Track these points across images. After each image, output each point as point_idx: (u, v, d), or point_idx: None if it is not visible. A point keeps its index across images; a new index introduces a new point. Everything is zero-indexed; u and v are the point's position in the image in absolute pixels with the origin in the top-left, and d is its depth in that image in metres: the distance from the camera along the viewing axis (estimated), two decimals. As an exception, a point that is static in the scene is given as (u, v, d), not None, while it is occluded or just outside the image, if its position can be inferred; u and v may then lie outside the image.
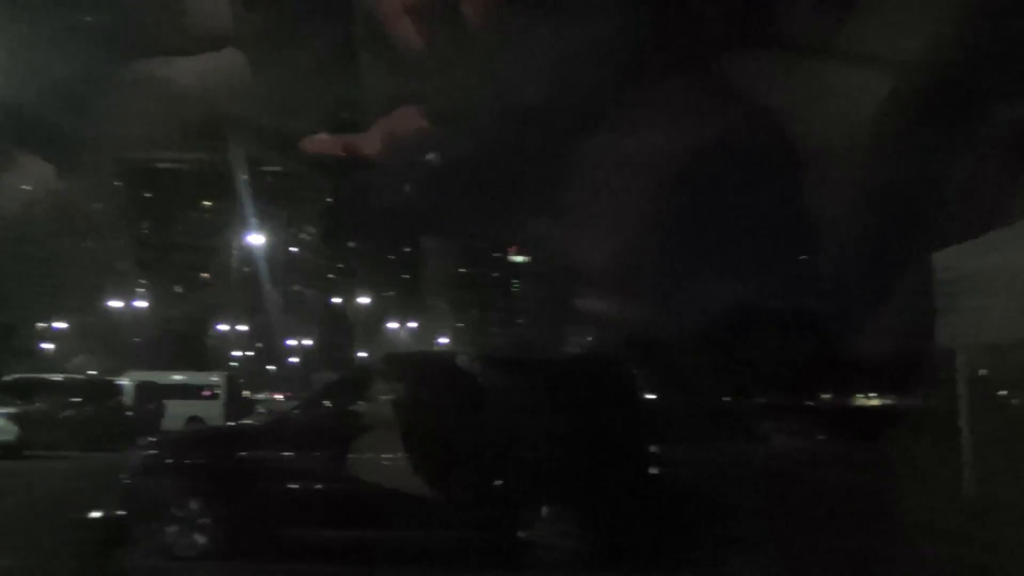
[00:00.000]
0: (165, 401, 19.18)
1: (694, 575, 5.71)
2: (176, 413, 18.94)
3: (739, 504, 7.71)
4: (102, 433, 14.61)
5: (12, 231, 33.38)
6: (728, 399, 26.62)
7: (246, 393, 27.47)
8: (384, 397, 6.59)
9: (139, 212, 48.51)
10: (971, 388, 9.19)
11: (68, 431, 14.46)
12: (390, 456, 5.93)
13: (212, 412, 20.50)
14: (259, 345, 47.06)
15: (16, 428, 13.49)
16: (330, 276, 55.06)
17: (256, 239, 37.94)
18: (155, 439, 7.17)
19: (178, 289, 48.41)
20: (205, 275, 51.38)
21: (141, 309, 40.60)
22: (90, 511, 5.80)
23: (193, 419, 19.31)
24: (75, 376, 21.35)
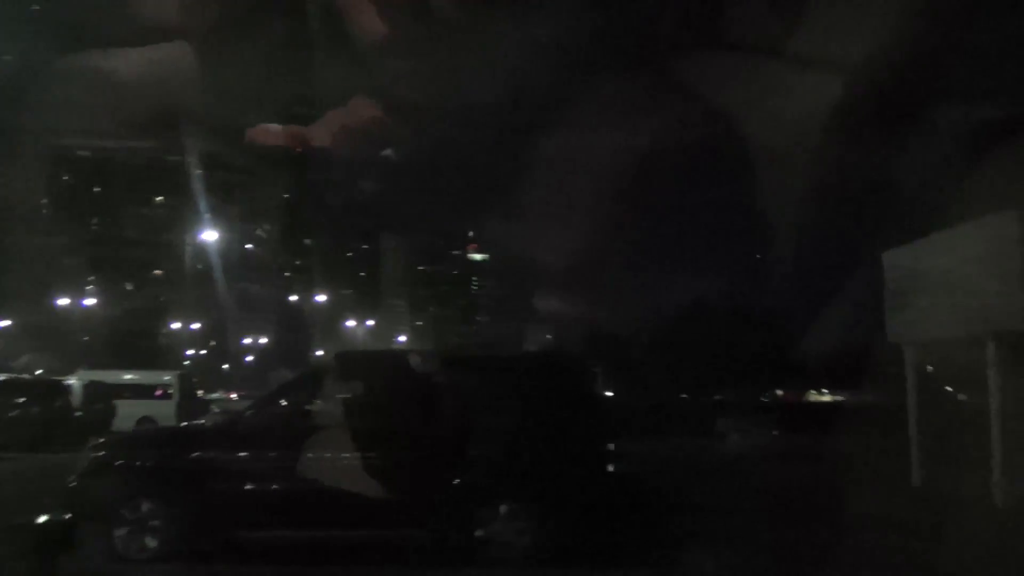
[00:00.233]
0: (116, 401, 18.81)
1: (651, 570, 5.77)
2: (127, 413, 18.59)
3: (695, 499, 7.81)
4: (49, 434, 14.29)
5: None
6: (685, 396, 26.97)
7: (200, 392, 27.03)
8: (339, 396, 6.54)
9: (88, 208, 47.40)
10: (918, 384, 9.43)
11: (13, 432, 14.11)
12: (346, 455, 5.88)
13: (164, 412, 20.15)
14: (213, 343, 46.29)
15: (-42, 430, 13.10)
16: (286, 274, 54.37)
17: (210, 235, 37.31)
18: (104, 440, 7.00)
19: (129, 286, 47.41)
20: (157, 272, 50.37)
21: (91, 307, 39.68)
22: (36, 515, 5.65)
23: (144, 419, 18.97)
24: (21, 376, 20.82)
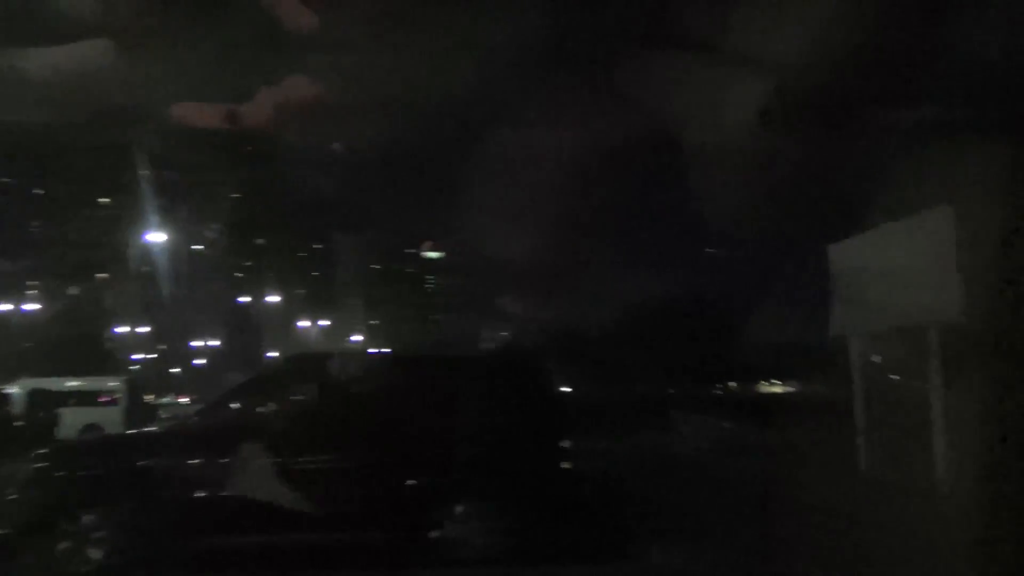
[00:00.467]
0: (60, 409, 18.31)
1: (607, 565, 5.80)
2: (72, 421, 18.10)
3: (648, 493, 7.88)
4: (-11, 445, 13.92)
5: None
6: (640, 390, 27.23)
7: (149, 397, 26.49)
8: (292, 398, 6.44)
9: (28, 210, 46.02)
10: (864, 374, 9.66)
11: (-50, 445, 13.73)
12: (299, 459, 5.80)
13: (112, 419, 19.69)
14: (162, 347, 45.31)
15: None
16: (237, 274, 53.46)
17: (157, 237, 36.50)
18: (47, 450, 6.80)
19: (73, 290, 46.16)
20: (102, 275, 49.11)
21: (32, 312, 38.53)
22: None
23: (90, 427, 18.50)
24: (-42, 385, 20.15)
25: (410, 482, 5.86)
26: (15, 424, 16.20)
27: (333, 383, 6.36)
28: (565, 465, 6.12)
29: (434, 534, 5.73)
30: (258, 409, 6.48)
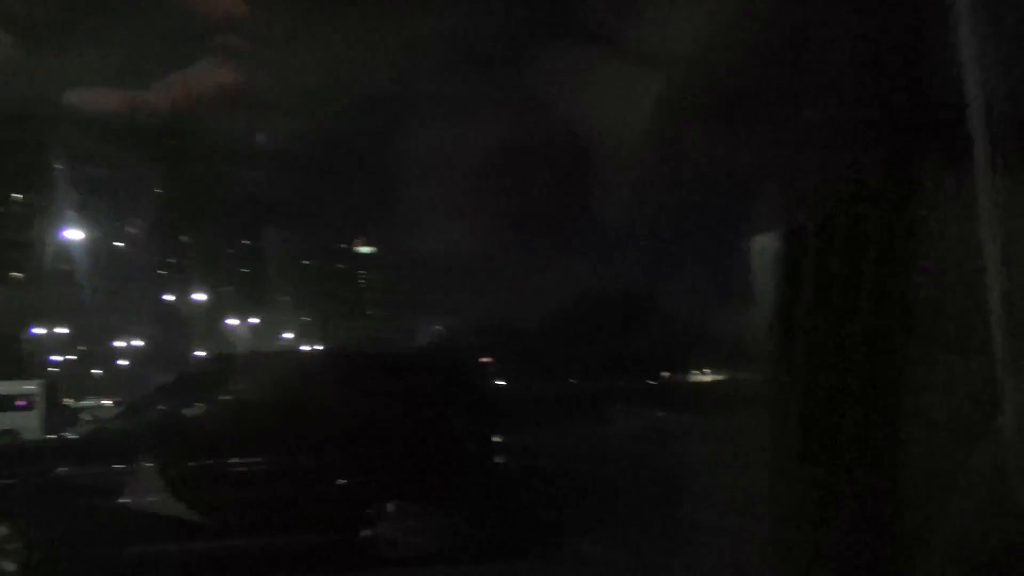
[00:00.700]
0: (-28, 415, 17.53)
1: (541, 559, 5.85)
2: (-15, 427, 17.39)
3: (582, 484, 7.99)
4: None
5: None
6: (575, 382, 27.54)
7: (69, 401, 25.66)
8: (218, 398, 6.31)
9: (-65, 207, 43.70)
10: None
11: None
12: (226, 461, 5.68)
13: (28, 424, 18.95)
14: (82, 348, 43.68)
15: None
16: (161, 272, 51.90)
17: (74, 234, 35.14)
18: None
19: (-15, 290, 44.08)
20: (16, 274, 47.04)
21: (-60, 314, 36.66)
22: None
23: (5, 433, 17.79)
24: None
25: (340, 482, 5.80)
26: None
27: (260, 382, 6.25)
28: (495, 461, 6.15)
29: (366, 534, 5.68)
30: (183, 410, 6.33)
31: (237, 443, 5.85)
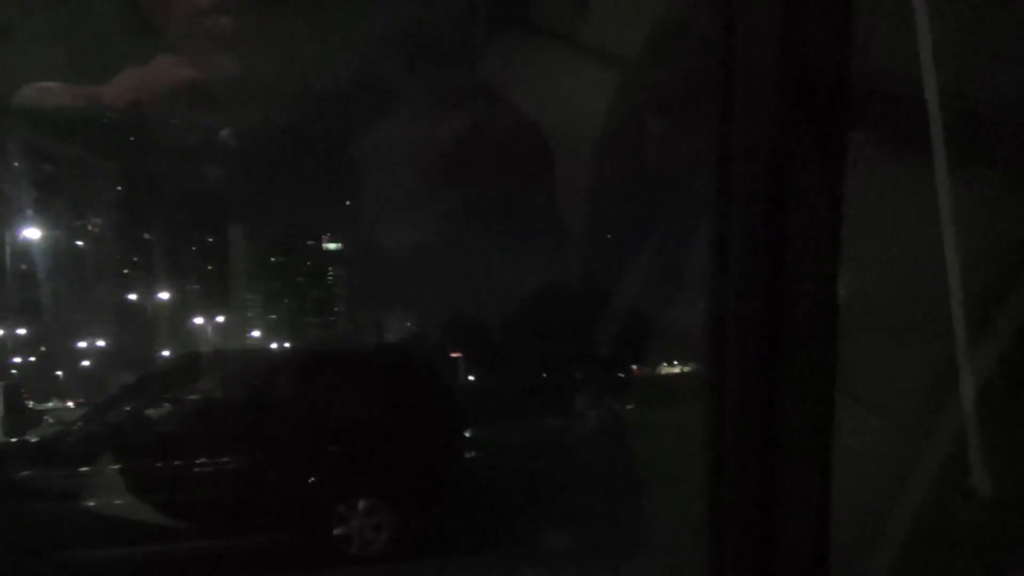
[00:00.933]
0: (-71, 419, 17.06)
1: (511, 553, 5.87)
2: (-56, 432, 16.92)
3: (552, 478, 8.02)
4: None
5: None
6: (545, 376, 27.62)
7: (30, 403, 25.11)
8: (184, 398, 6.23)
9: None
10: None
11: None
12: (193, 461, 5.61)
13: (-12, 427, 18.52)
14: (43, 349, 42.80)
15: None
16: (124, 271, 50.96)
17: (33, 233, 34.39)
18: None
19: (-59, 292, 43.01)
20: (-27, 275, 45.93)
21: None
22: None
23: (-36, 437, 17.32)
24: None
25: (307, 480, 5.76)
26: None
27: (226, 381, 6.18)
28: (464, 455, 6.16)
29: (335, 532, 5.66)
30: (147, 411, 6.25)
31: (200, 443, 5.77)
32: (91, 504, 5.60)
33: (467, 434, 6.37)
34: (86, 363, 46.27)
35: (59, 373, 44.20)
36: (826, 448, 0.90)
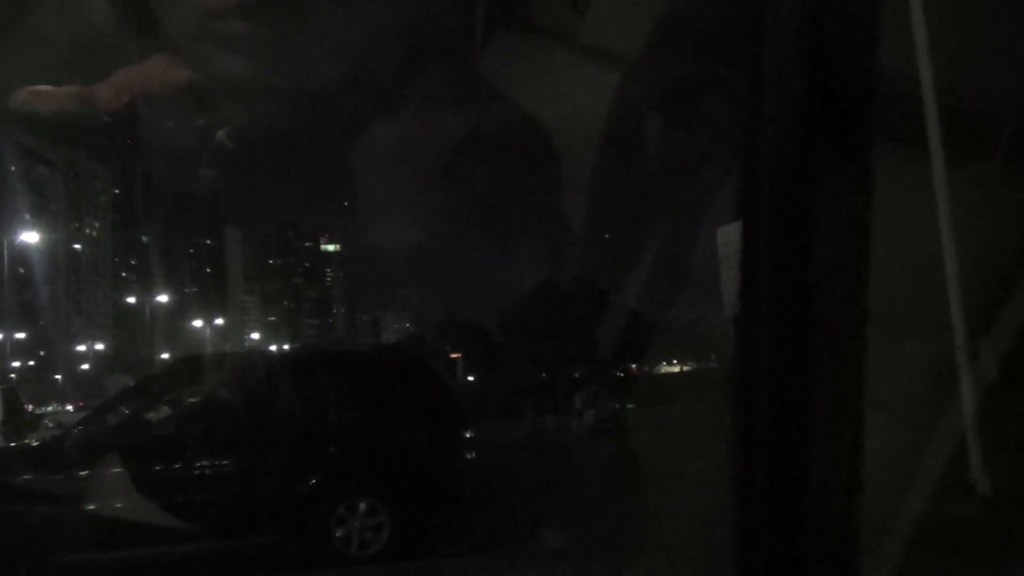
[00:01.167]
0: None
1: (511, 553, 5.86)
2: (-57, 437, 16.88)
3: (551, 476, 8.01)
4: None
5: None
6: (544, 375, 27.64)
7: (30, 407, 25.04)
8: (183, 402, 6.21)
9: None
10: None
11: None
12: (194, 464, 5.60)
13: (-13, 432, 18.48)
14: (42, 353, 42.78)
15: None
16: (122, 274, 50.87)
17: (31, 237, 34.37)
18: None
19: (-61, 297, 42.95)
20: (-29, 279, 45.89)
21: None
22: None
23: (-37, 441, 17.29)
24: None
25: (306, 482, 5.75)
26: None
27: (224, 384, 6.16)
28: (464, 455, 6.14)
29: (335, 533, 5.65)
30: (147, 414, 6.23)
31: (202, 447, 5.76)
32: (91, 507, 5.58)
33: (466, 434, 6.35)
34: (85, 367, 46.24)
35: (58, 377, 44.19)
36: (857, 447, 0.91)
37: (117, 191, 47.31)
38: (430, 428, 6.09)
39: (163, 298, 44.62)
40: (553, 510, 6.64)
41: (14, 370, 38.35)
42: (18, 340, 39.53)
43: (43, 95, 2.27)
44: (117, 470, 5.66)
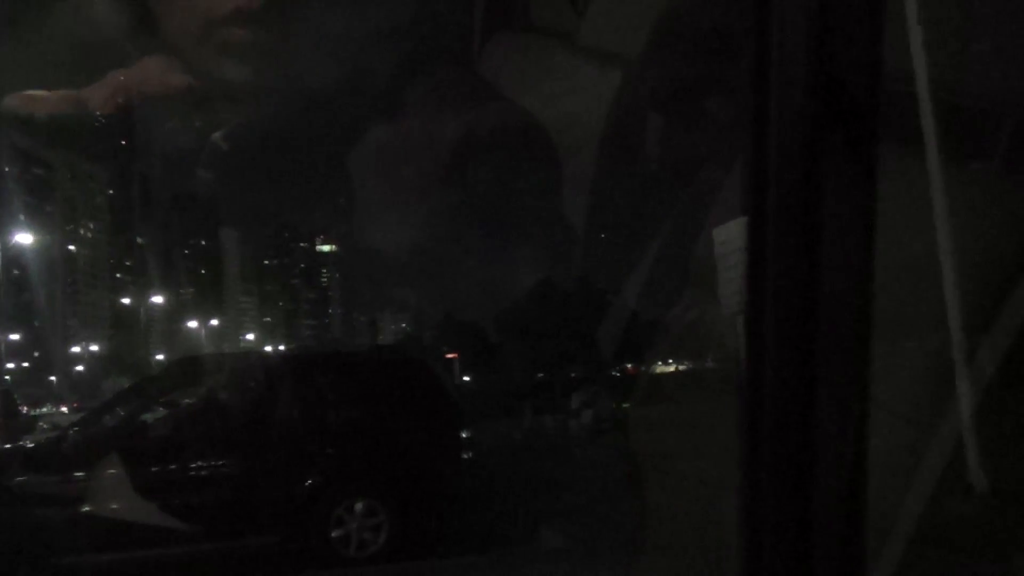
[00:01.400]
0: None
1: (509, 553, 5.86)
2: (-63, 438, 16.85)
3: (548, 476, 8.01)
4: None
5: None
6: (541, 375, 27.64)
7: (24, 409, 25.03)
8: (180, 403, 6.21)
9: None
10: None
11: None
12: (190, 466, 5.59)
13: (-17, 433, 18.47)
14: (37, 354, 42.63)
15: None
16: (118, 275, 50.79)
17: (25, 238, 34.25)
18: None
19: (-67, 298, 42.82)
20: (-34, 280, 45.74)
21: None
22: None
23: (-41, 443, 17.26)
24: None
25: (304, 482, 5.75)
26: None
27: (221, 385, 6.15)
28: (461, 455, 6.14)
29: (332, 534, 5.64)
30: (143, 415, 6.21)
31: (198, 448, 5.75)
32: (87, 509, 5.57)
33: (463, 434, 6.35)
34: (80, 368, 46.13)
35: (53, 378, 44.07)
36: (862, 447, 0.91)
37: (113, 192, 47.25)
38: (428, 429, 6.09)
39: (159, 299, 44.53)
40: (552, 510, 6.64)
41: (9, 371, 38.23)
42: (13, 341, 39.41)
43: (37, 99, 2.26)
44: (113, 472, 5.65)
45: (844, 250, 0.93)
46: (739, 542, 0.94)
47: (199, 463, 5.62)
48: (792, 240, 0.91)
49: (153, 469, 5.63)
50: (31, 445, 9.87)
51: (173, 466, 5.66)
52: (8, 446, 14.49)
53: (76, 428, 6.37)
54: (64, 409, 32.34)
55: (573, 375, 25.72)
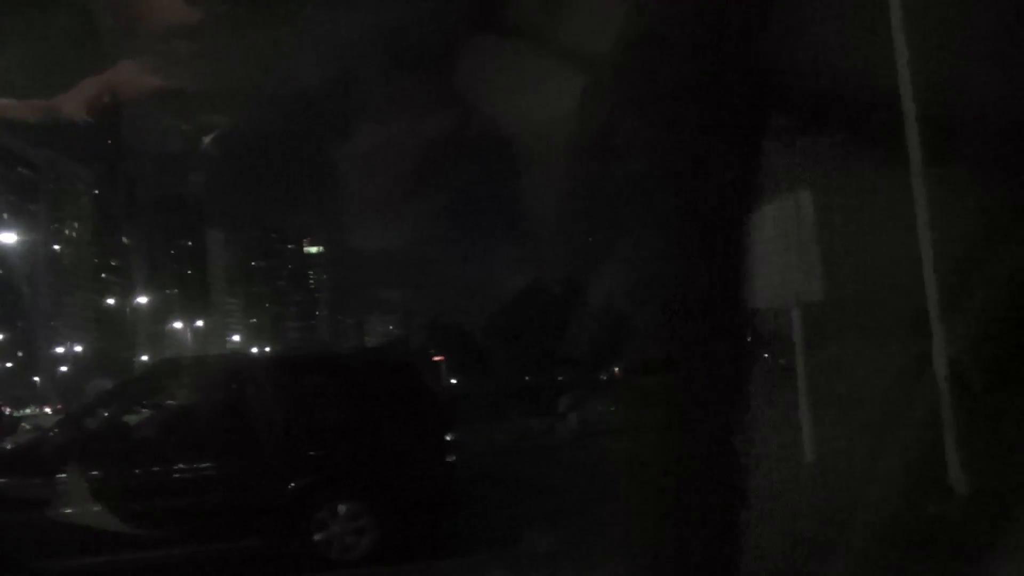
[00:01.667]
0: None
1: (494, 556, 5.84)
2: (-83, 440, 16.68)
3: (534, 480, 7.99)
4: None
5: None
6: (527, 378, 27.62)
7: (7, 410, 24.85)
8: (163, 405, 6.15)
9: None
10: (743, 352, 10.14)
11: None
12: (173, 468, 5.54)
13: (-36, 435, 18.29)
14: (20, 355, 42.26)
15: None
16: (103, 275, 50.39)
17: (8, 238, 33.96)
18: None
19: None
20: (-52, 280, 45.29)
21: None
22: None
23: (-61, 445, 17.09)
24: None
25: (286, 485, 5.70)
26: None
27: (205, 387, 6.10)
28: (445, 458, 6.11)
29: (315, 537, 5.60)
30: (125, 417, 6.15)
31: (181, 450, 5.70)
32: (68, 512, 5.51)
33: (449, 437, 6.32)
34: (64, 369, 45.75)
35: (36, 379, 43.70)
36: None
37: (99, 193, 46.90)
38: (413, 432, 6.05)
39: (144, 300, 44.25)
40: (538, 512, 6.62)
41: (-8, 373, 37.88)
42: (-4, 342, 39.08)
43: (7, 108, 2.24)
44: (95, 474, 5.59)
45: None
46: (719, 543, 0.94)
47: (181, 465, 5.57)
48: (726, 245, 0.92)
49: (135, 472, 5.57)
50: (13, 446, 9.75)
51: (155, 468, 5.61)
52: (-10, 448, 14.36)
53: (58, 429, 6.30)
54: (48, 410, 32.09)
55: (560, 379, 25.72)
